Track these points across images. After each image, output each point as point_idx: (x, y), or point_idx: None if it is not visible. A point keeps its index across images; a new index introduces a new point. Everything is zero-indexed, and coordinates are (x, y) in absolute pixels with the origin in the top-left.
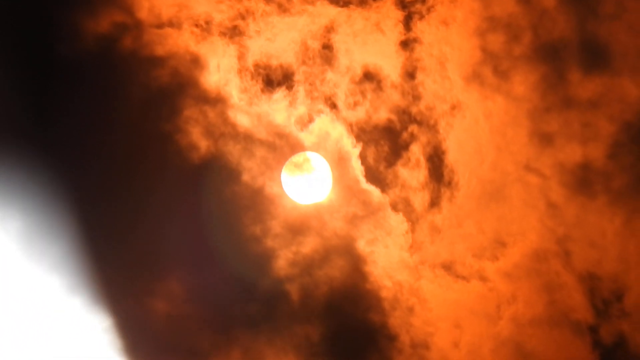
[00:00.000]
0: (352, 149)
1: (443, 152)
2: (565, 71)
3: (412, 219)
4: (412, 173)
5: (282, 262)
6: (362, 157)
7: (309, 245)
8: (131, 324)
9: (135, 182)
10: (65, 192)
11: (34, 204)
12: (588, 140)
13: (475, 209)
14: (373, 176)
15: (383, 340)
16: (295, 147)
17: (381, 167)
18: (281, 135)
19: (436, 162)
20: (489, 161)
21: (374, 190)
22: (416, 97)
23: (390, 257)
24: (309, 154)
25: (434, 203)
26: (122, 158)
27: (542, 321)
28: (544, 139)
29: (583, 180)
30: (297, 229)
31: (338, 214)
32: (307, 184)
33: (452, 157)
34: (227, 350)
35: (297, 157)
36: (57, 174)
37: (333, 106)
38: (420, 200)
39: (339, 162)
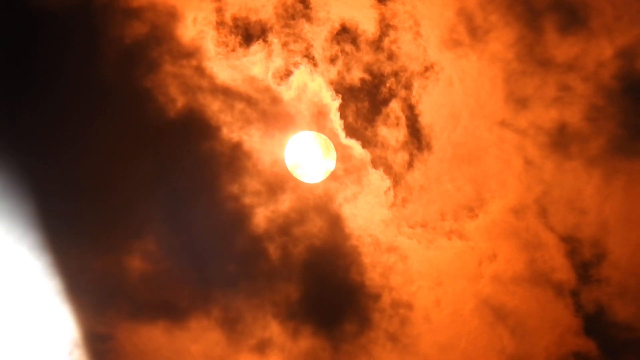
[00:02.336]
0: (332, 102)
1: (419, 113)
2: (541, 31)
3: (393, 176)
4: (391, 131)
5: (260, 220)
6: (341, 112)
7: (287, 203)
8: (108, 281)
9: (110, 139)
10: (39, 147)
11: (5, 158)
12: (564, 102)
13: (452, 168)
14: (352, 131)
15: (364, 299)
16: (275, 101)
17: (360, 123)
18: (259, 89)
19: (413, 121)
20: (464, 122)
21: (354, 145)
22: (391, 55)
23: (370, 215)
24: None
25: (413, 162)
26: (97, 114)
27: (523, 280)
28: (520, 101)
29: (559, 142)
30: (275, 186)
31: (318, 170)
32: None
33: (429, 116)
34: (205, 308)
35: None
36: (29, 130)
37: (311, 60)
38: (400, 158)
39: (318, 115)
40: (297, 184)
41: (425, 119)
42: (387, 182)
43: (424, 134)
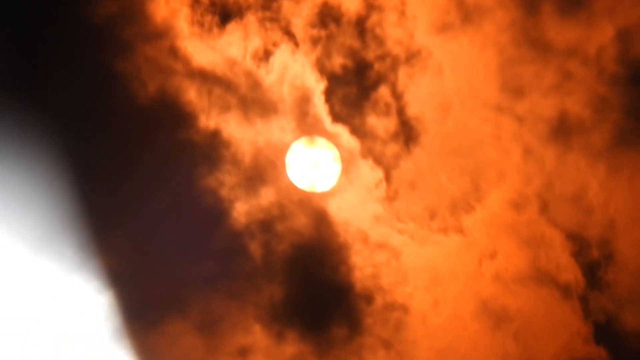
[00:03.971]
0: (316, 84)
1: (405, 103)
2: (539, 13)
3: (384, 168)
4: (381, 120)
5: (240, 215)
6: (326, 96)
7: (269, 196)
8: None
9: (74, 125)
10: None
11: None
12: (564, 89)
13: (446, 160)
14: (339, 118)
15: (354, 300)
16: (255, 85)
17: (347, 110)
18: (238, 72)
19: (403, 108)
20: (456, 112)
21: (342, 132)
22: (377, 38)
23: (360, 210)
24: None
25: (405, 152)
26: (62, 98)
27: (526, 279)
28: (516, 89)
29: (560, 131)
30: (256, 178)
31: (302, 159)
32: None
33: (417, 107)
34: (181, 310)
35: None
36: None
37: (292, 38)
38: (391, 148)
39: (301, 100)
40: (279, 175)
41: (413, 109)
42: (378, 174)
43: (412, 126)
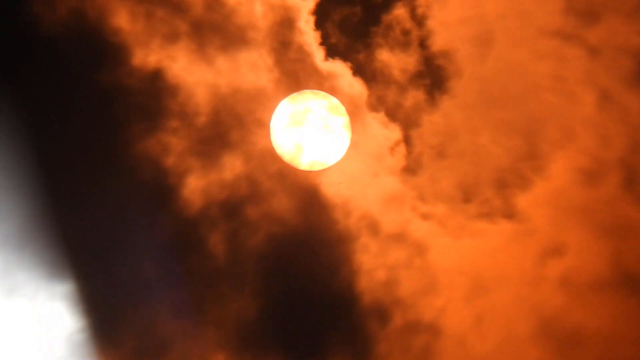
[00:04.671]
0: (302, 2)
1: (430, 29)
2: None
3: (401, 124)
4: (395, 54)
5: (193, 193)
6: (318, 19)
7: (235, 167)
8: None
9: None
10: None
11: None
12: None
13: (488, 114)
14: (335, 51)
15: (362, 319)
16: (216, 4)
17: (347, 39)
18: None
19: (426, 38)
20: (500, 46)
21: (340, 72)
22: None
23: (368, 186)
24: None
25: (430, 102)
26: None
27: (607, 285)
28: (587, 12)
29: None
30: (216, 140)
31: (284, 113)
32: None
33: (448, 33)
34: (111, 333)
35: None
36: None
37: None
38: (410, 97)
39: (281, 25)
40: (250, 136)
41: (440, 40)
42: (394, 134)
43: (439, 64)
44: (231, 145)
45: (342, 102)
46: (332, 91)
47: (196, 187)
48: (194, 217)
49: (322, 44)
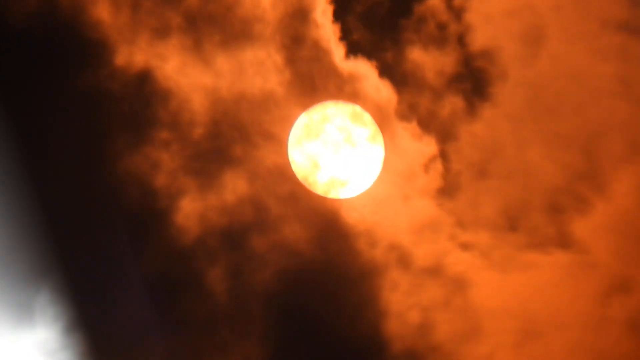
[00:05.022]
0: None
1: (470, 23)
2: None
3: (437, 136)
4: (429, 53)
5: (188, 219)
6: (337, 10)
7: (237, 188)
8: None
9: None
10: None
11: None
12: None
13: (540, 123)
14: (357, 48)
15: None
16: None
17: (372, 35)
18: None
19: (465, 34)
20: (555, 38)
21: (363, 73)
22: None
23: (397, 211)
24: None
25: (470, 110)
26: None
27: None
28: None
29: None
30: (215, 156)
31: (297, 123)
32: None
33: (492, 28)
34: None
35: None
36: None
37: None
38: (447, 104)
39: (293, 16)
40: (256, 151)
41: (482, 37)
42: (429, 148)
43: (481, 66)
44: (233, 161)
45: (366, 110)
46: (354, 97)
47: (191, 211)
48: (188, 248)
49: (342, 39)
